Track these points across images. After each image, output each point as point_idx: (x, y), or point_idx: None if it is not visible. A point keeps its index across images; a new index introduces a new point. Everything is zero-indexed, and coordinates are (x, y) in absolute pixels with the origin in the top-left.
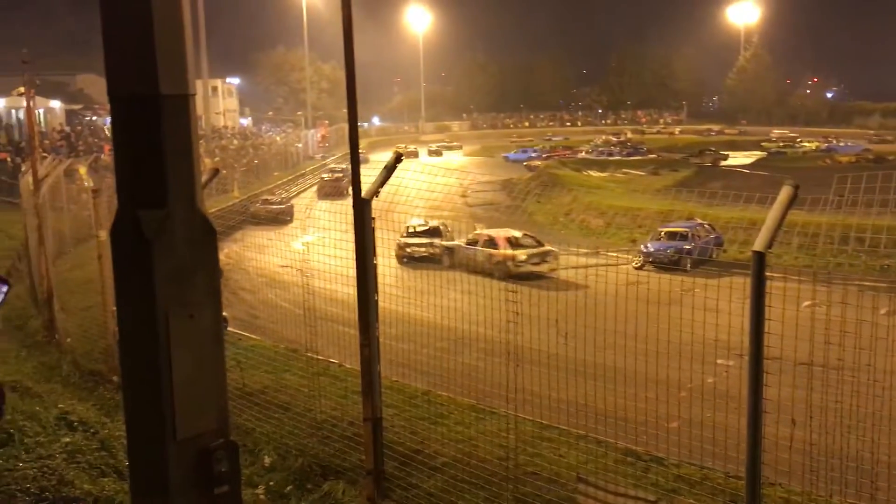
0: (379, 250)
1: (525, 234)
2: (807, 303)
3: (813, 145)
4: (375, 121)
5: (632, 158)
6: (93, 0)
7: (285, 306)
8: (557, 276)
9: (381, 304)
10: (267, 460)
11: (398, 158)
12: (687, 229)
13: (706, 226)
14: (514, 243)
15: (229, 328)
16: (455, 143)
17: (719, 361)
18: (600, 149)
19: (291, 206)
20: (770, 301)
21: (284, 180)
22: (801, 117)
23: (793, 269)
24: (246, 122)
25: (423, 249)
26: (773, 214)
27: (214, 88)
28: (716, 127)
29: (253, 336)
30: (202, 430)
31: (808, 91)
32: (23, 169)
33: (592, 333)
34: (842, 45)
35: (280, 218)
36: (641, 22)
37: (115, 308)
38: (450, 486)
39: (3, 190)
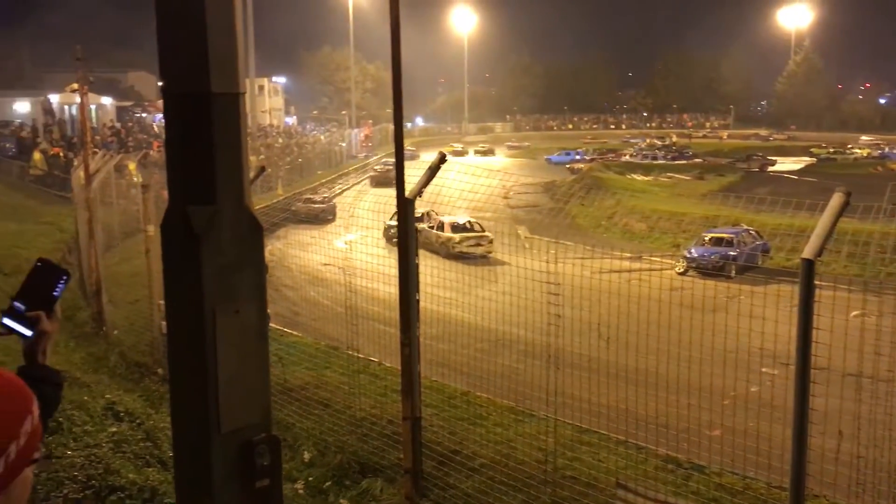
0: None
1: (470, 221)
2: (855, 312)
3: (864, 152)
4: (419, 121)
5: (677, 162)
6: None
7: (326, 304)
8: (494, 258)
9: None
10: (306, 456)
11: (442, 159)
12: (732, 235)
13: (752, 232)
14: (456, 228)
15: (271, 324)
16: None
17: (763, 370)
18: (645, 152)
19: (334, 206)
20: (818, 310)
21: (327, 179)
22: (853, 123)
23: (842, 277)
24: (291, 120)
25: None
26: (823, 221)
27: (261, 87)
28: (764, 132)
29: (294, 332)
30: (245, 423)
31: (861, 97)
32: (75, 164)
33: (634, 338)
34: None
35: (322, 217)
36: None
37: (161, 302)
38: (487, 487)
39: (55, 184)
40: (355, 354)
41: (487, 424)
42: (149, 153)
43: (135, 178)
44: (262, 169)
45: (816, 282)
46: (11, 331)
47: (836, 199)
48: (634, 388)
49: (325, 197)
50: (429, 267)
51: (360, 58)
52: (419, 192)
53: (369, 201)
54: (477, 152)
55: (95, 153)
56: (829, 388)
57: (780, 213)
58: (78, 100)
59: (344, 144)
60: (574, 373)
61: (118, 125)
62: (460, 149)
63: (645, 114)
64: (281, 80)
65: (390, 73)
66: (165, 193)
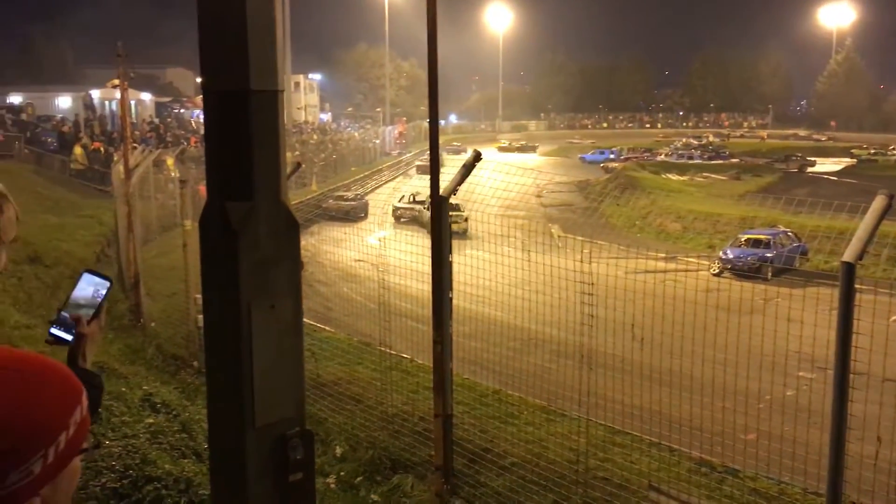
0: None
1: (453, 203)
2: (895, 317)
3: None
4: (452, 118)
5: (713, 162)
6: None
7: (359, 300)
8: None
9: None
10: (338, 451)
11: (477, 157)
12: (769, 237)
13: (789, 234)
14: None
15: (304, 319)
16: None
17: (800, 374)
18: (680, 151)
19: (366, 203)
20: (857, 314)
21: (361, 176)
22: (895, 124)
23: (883, 281)
24: (326, 117)
25: (409, 212)
26: (865, 224)
27: (297, 84)
28: (803, 132)
29: (327, 328)
30: (279, 417)
31: None
32: (115, 158)
33: (668, 339)
34: None
35: (353, 214)
36: (727, 23)
37: (197, 295)
38: (518, 486)
39: (95, 178)
40: (387, 351)
41: (519, 423)
42: (186, 149)
43: (173, 174)
44: (298, 165)
45: (856, 285)
46: (58, 339)
47: (878, 202)
48: (668, 390)
49: (357, 194)
50: (462, 265)
51: (394, 55)
52: (454, 190)
53: (413, 185)
54: (518, 149)
55: (135, 148)
56: (869, 393)
57: (820, 214)
58: (118, 95)
59: (378, 141)
60: (607, 373)
61: (157, 121)
62: (506, 145)
63: (681, 113)
64: (316, 77)
65: (425, 71)
66: (202, 189)
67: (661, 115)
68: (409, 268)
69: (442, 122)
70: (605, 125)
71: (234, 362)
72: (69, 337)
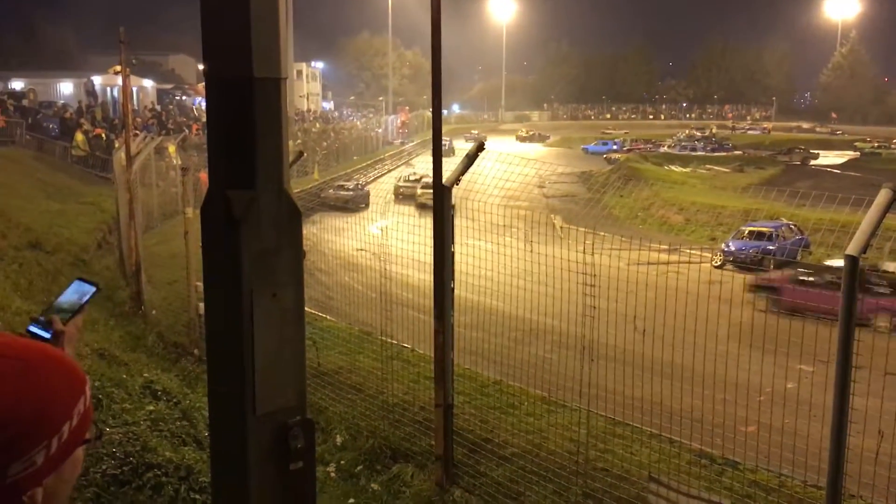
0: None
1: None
2: None
3: None
4: (455, 108)
5: (716, 154)
6: None
7: (360, 289)
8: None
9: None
10: (339, 439)
11: (480, 147)
12: (772, 229)
13: (792, 226)
14: (426, 185)
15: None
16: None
17: (800, 367)
18: (683, 143)
19: (367, 193)
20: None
21: (362, 165)
22: None
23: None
24: (328, 105)
25: (409, 191)
26: (869, 217)
27: (299, 72)
28: (806, 125)
29: (328, 317)
30: (281, 406)
31: None
32: (116, 145)
33: (670, 331)
34: None
35: (352, 205)
36: (732, 14)
37: (198, 283)
38: (518, 476)
39: (97, 165)
40: (388, 340)
41: (519, 414)
42: (188, 136)
43: (174, 161)
44: (301, 154)
45: None
46: (35, 337)
47: (882, 196)
48: (669, 382)
49: (357, 184)
50: (464, 255)
51: (397, 44)
52: (457, 180)
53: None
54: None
55: (136, 135)
56: (870, 386)
57: (822, 208)
58: (120, 82)
59: (380, 130)
60: (608, 364)
61: (158, 108)
62: (525, 134)
63: (685, 104)
64: (319, 65)
65: (428, 60)
66: (204, 176)
67: (664, 106)
68: (411, 257)
69: (445, 111)
70: (608, 116)
71: (236, 351)
72: (47, 335)
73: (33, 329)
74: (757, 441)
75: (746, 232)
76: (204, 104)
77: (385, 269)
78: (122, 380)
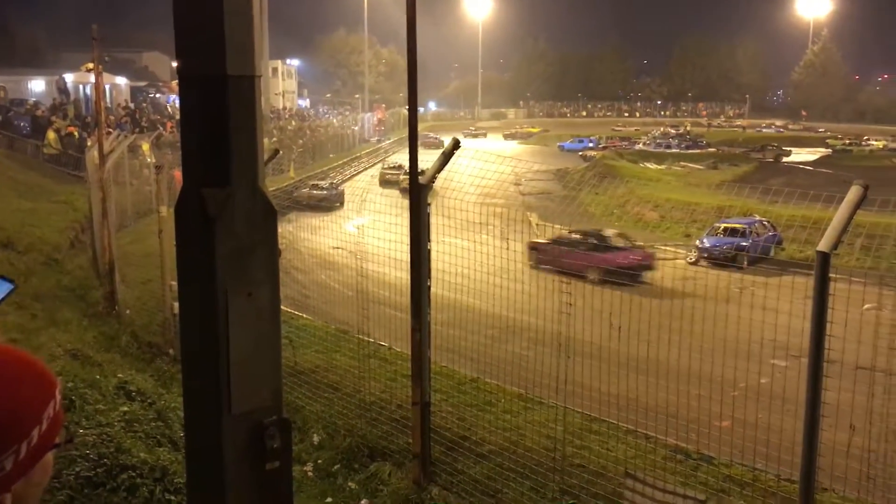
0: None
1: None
2: (868, 306)
3: (880, 144)
4: (431, 106)
5: (690, 151)
6: None
7: (336, 287)
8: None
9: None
10: (316, 439)
11: (456, 145)
12: (745, 226)
13: (765, 223)
14: (407, 173)
15: (282, 307)
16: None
17: (773, 362)
18: (658, 141)
19: (341, 192)
20: (831, 303)
21: (339, 163)
22: (870, 115)
23: (857, 270)
24: (304, 103)
25: (393, 177)
26: (840, 214)
27: (275, 70)
28: (779, 122)
29: (305, 315)
30: (256, 405)
31: (878, 88)
32: (89, 143)
33: (646, 328)
34: None
35: (326, 204)
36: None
37: (173, 282)
38: (495, 473)
39: (69, 163)
40: (365, 338)
41: (496, 411)
42: (162, 134)
43: (148, 159)
44: (276, 152)
45: (830, 274)
46: None
47: (853, 192)
48: (644, 378)
49: (331, 183)
50: (440, 253)
51: (374, 41)
52: (433, 178)
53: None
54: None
55: (109, 133)
56: (842, 381)
57: (795, 204)
58: (92, 79)
59: (357, 128)
60: (584, 361)
61: (132, 105)
62: (515, 132)
63: (659, 102)
64: (295, 62)
65: (404, 58)
66: (178, 174)
67: (639, 104)
68: (387, 255)
69: (421, 109)
70: (583, 113)
71: (211, 350)
72: None
73: None
74: (731, 436)
75: (721, 229)
76: (178, 102)
77: (362, 267)
78: (95, 381)
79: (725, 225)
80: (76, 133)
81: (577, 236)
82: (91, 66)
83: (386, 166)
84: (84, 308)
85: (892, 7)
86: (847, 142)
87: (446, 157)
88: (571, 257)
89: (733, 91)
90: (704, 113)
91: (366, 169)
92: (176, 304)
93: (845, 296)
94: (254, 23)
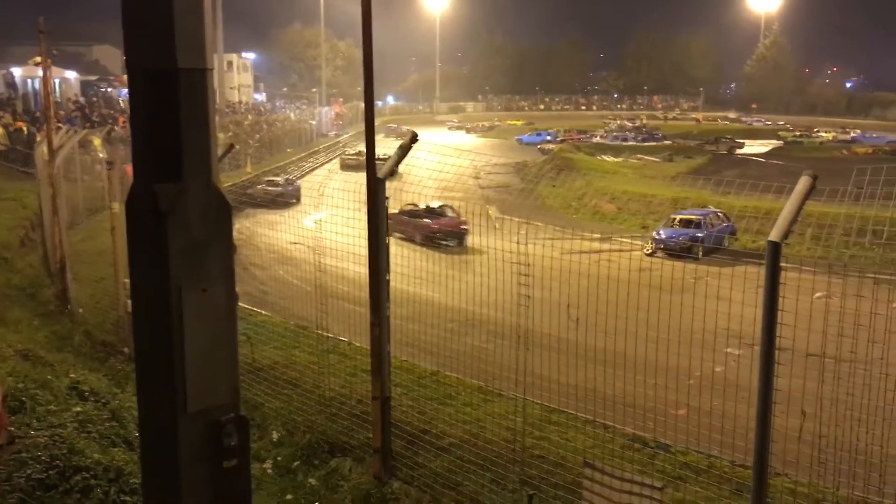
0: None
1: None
2: (818, 294)
3: (830, 135)
4: (389, 100)
5: (647, 144)
6: None
7: (295, 283)
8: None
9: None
10: (275, 435)
11: (413, 138)
12: (700, 217)
13: (719, 214)
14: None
15: (239, 303)
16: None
17: (728, 350)
18: (615, 134)
19: (297, 188)
20: (783, 292)
21: (296, 158)
22: (820, 107)
23: (807, 259)
24: (260, 97)
25: (354, 161)
26: (790, 204)
27: (230, 63)
28: (732, 114)
29: (263, 311)
30: (213, 403)
31: (827, 80)
32: (38, 139)
33: (603, 319)
34: (862, 35)
35: (281, 200)
36: (661, 6)
37: (126, 280)
38: (456, 466)
39: (18, 159)
40: (324, 334)
41: (456, 404)
42: (114, 128)
43: (100, 154)
44: (231, 146)
45: (782, 264)
46: None
47: (802, 183)
48: (602, 369)
49: (287, 179)
50: (399, 246)
51: (330, 35)
52: (391, 172)
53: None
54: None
55: (59, 128)
56: (793, 368)
57: (748, 195)
58: (41, 73)
59: (314, 122)
60: (543, 353)
61: (82, 100)
62: (489, 126)
63: (616, 95)
64: (250, 56)
65: (361, 51)
66: (130, 170)
67: (596, 97)
68: (346, 250)
69: (379, 103)
70: (541, 107)
71: (165, 348)
72: None
73: None
74: (687, 424)
75: (676, 220)
76: None
77: (320, 262)
78: (47, 381)
79: (681, 216)
80: (25, 128)
81: (412, 207)
82: (39, 59)
83: (346, 153)
84: (35, 307)
85: (842, 1)
86: (798, 133)
87: (404, 150)
88: (403, 224)
89: (687, 84)
90: (660, 106)
91: (323, 164)
92: (130, 302)
93: (796, 284)
94: (205, 15)
